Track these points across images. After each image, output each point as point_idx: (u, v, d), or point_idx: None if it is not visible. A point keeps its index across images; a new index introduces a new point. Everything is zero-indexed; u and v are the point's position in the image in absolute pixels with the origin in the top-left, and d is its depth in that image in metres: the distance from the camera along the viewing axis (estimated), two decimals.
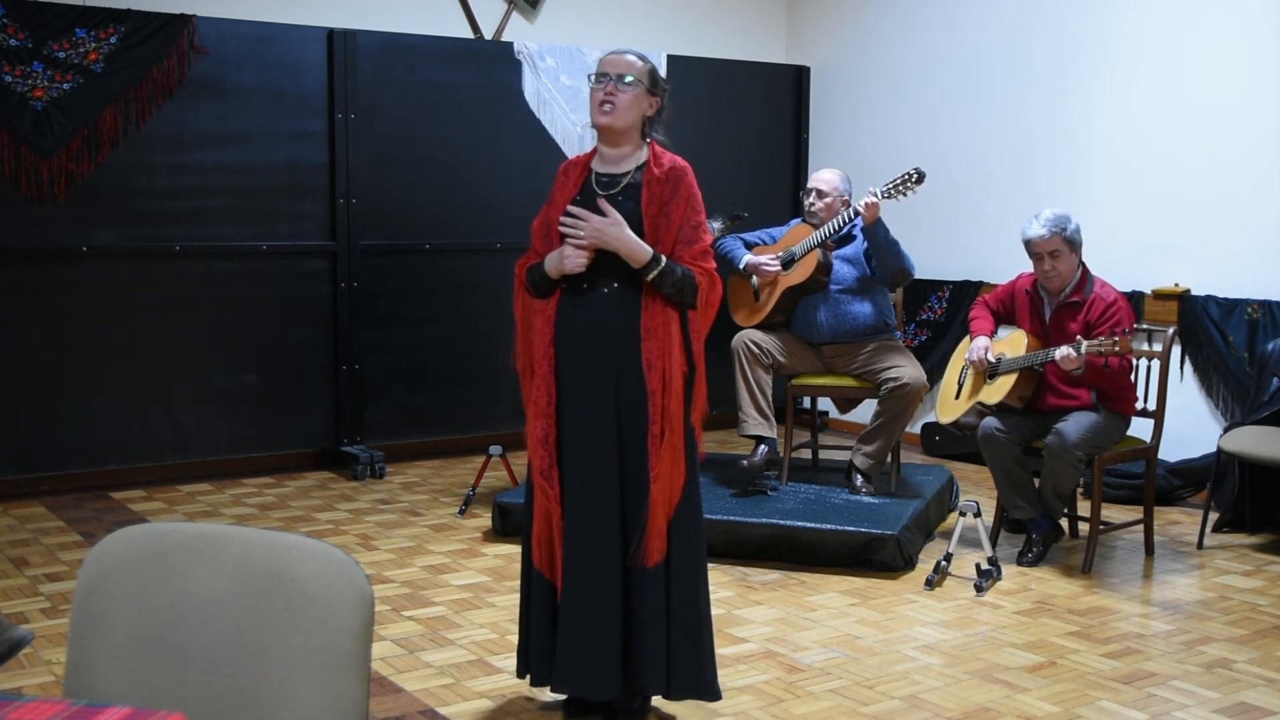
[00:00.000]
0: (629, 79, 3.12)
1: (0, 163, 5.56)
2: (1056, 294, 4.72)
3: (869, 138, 7.44)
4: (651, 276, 3.03)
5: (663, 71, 5.69)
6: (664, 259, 3.04)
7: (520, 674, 3.34)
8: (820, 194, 5.33)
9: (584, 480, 3.11)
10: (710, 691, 3.22)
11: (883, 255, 5.14)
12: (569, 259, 3.06)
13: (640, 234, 3.06)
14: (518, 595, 4.30)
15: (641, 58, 3.19)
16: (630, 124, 3.14)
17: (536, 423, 3.14)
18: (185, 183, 6.02)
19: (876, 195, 5.07)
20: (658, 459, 3.05)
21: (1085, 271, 4.72)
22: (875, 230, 5.08)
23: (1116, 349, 4.32)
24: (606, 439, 3.09)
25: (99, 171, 5.78)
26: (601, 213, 3.06)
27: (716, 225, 5.59)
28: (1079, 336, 4.49)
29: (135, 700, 1.71)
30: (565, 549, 3.12)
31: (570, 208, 3.09)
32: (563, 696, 3.36)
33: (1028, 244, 4.67)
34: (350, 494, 5.92)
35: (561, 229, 3.08)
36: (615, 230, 3.03)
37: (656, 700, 3.33)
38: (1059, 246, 4.60)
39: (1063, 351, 4.45)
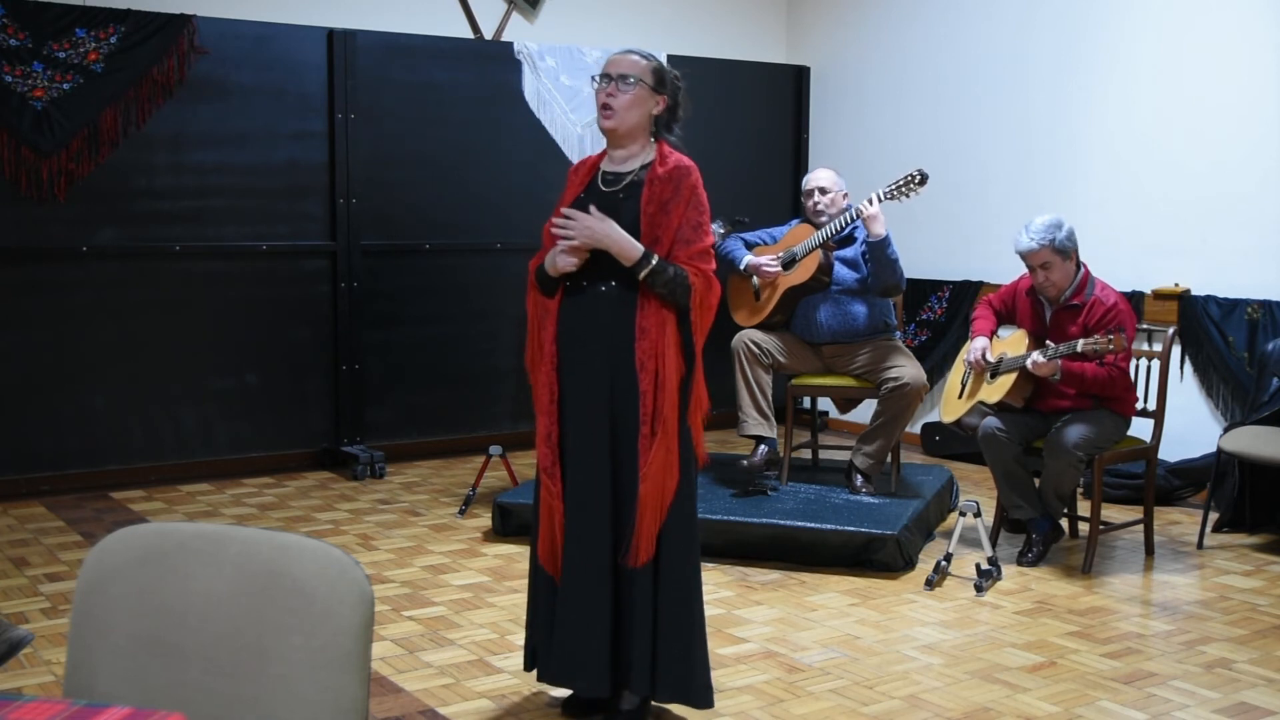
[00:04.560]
0: (630, 79, 3.11)
1: (0, 163, 5.56)
2: (1055, 300, 4.72)
3: (869, 138, 7.44)
4: (643, 275, 3.03)
5: None
6: (655, 257, 3.03)
7: (527, 667, 3.36)
8: (823, 190, 5.34)
9: (580, 477, 3.14)
10: (701, 698, 3.17)
11: (882, 269, 5.14)
12: (559, 260, 3.09)
13: (637, 233, 3.06)
14: (518, 595, 4.33)
15: (645, 56, 3.18)
16: (633, 124, 3.14)
17: (540, 419, 3.18)
18: (185, 183, 6.02)
19: (875, 200, 5.06)
20: (648, 459, 3.04)
21: (1085, 274, 4.71)
22: (883, 245, 5.09)
23: (1110, 347, 4.33)
24: (601, 437, 3.11)
25: (99, 171, 5.78)
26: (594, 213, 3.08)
27: (718, 230, 5.59)
28: (1050, 343, 4.51)
29: (135, 700, 1.71)
30: (564, 546, 3.15)
31: (562, 209, 3.10)
32: (564, 693, 3.38)
33: (1020, 256, 4.67)
34: (350, 494, 5.92)
35: (553, 230, 3.09)
36: (604, 228, 3.04)
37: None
38: (1049, 258, 4.59)
39: (1034, 357, 4.50)
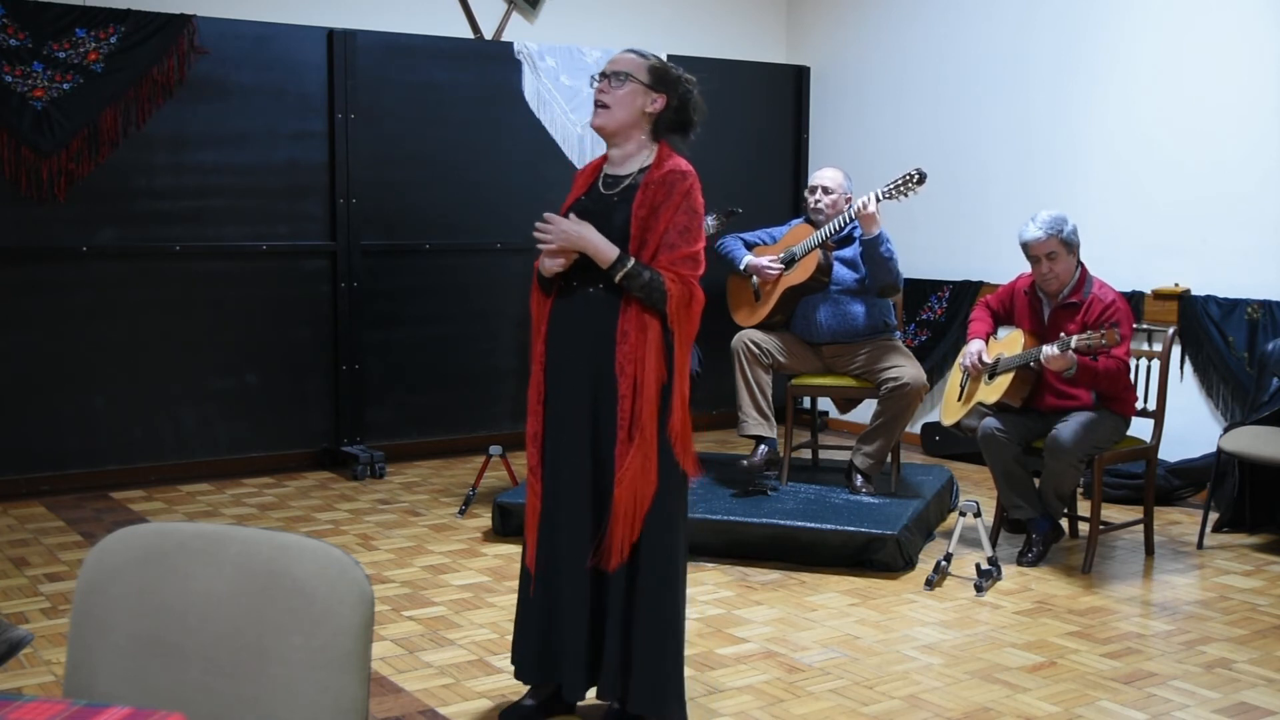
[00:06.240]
0: (621, 76, 3.11)
1: (0, 163, 5.56)
2: (1055, 295, 4.72)
3: (869, 138, 7.44)
4: (618, 278, 3.02)
5: None
6: (631, 261, 3.02)
7: (517, 673, 3.34)
8: (826, 190, 5.34)
9: (559, 478, 3.14)
10: (672, 712, 3.13)
11: (877, 268, 5.14)
12: (546, 262, 3.11)
13: (628, 236, 3.06)
14: (517, 595, 4.32)
15: (642, 55, 3.17)
16: (624, 122, 3.13)
17: (529, 419, 3.20)
18: (185, 183, 6.02)
19: (872, 199, 5.06)
20: (622, 464, 3.03)
21: (1084, 272, 4.72)
22: (876, 243, 5.08)
23: (1104, 342, 4.33)
24: (582, 439, 3.11)
25: (99, 171, 5.78)
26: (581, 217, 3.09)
27: (711, 221, 5.59)
28: (1063, 335, 4.50)
29: (135, 700, 1.71)
30: (538, 546, 3.16)
31: (546, 214, 3.12)
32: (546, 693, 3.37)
33: (1024, 246, 4.67)
34: (350, 494, 5.92)
35: (534, 235, 3.10)
36: (578, 230, 3.05)
37: None
38: (1055, 248, 4.60)
39: (1048, 350, 4.48)
